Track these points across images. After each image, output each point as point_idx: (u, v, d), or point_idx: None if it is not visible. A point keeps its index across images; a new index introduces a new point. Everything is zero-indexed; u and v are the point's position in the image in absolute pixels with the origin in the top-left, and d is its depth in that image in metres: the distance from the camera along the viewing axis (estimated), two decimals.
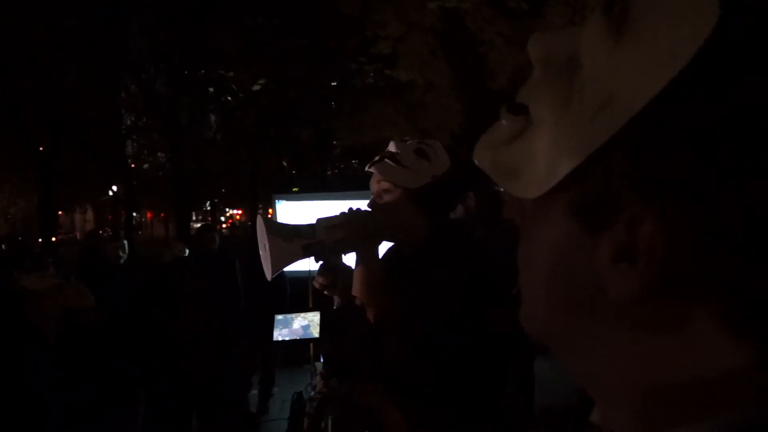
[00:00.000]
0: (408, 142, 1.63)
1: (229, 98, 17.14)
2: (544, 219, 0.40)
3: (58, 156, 14.91)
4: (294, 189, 10.15)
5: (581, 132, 0.36)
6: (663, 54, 0.34)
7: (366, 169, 1.68)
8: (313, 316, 1.24)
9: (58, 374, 2.65)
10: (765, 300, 0.33)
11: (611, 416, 0.42)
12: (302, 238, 1.61)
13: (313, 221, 1.65)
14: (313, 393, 1.12)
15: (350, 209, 1.63)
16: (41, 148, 15.16)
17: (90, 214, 32.23)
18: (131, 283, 4.75)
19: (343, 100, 14.51)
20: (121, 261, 5.07)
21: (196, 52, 14.34)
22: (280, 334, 1.25)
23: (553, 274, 0.40)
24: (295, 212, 5.48)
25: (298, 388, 4.45)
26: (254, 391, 5.54)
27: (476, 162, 0.45)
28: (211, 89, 17.15)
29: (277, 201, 5.56)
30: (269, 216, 5.21)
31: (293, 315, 1.26)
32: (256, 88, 15.22)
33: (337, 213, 1.64)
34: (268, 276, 1.64)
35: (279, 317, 1.27)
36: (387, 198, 1.62)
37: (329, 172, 18.89)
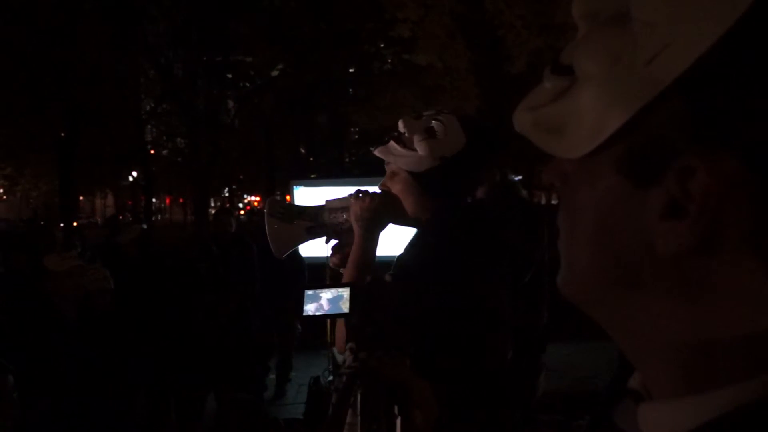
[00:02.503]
0: (421, 119, 1.50)
1: (247, 84, 17.16)
2: (590, 177, 0.39)
3: (79, 141, 15.05)
4: (312, 175, 10.15)
5: (634, 83, 0.35)
6: (719, 3, 0.33)
7: (372, 151, 1.60)
8: (344, 290, 1.25)
9: (76, 353, 2.68)
10: None
11: (651, 378, 0.41)
12: (306, 220, 1.60)
13: (323, 203, 1.64)
14: (341, 369, 1.13)
15: (357, 191, 1.59)
16: (62, 134, 15.32)
17: (110, 199, 32.60)
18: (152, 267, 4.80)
19: (361, 84, 14.44)
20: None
21: (214, 37, 14.34)
22: (308, 310, 1.26)
23: (600, 231, 0.40)
24: (312, 198, 5.46)
25: (316, 372, 4.47)
26: (272, 376, 5.58)
27: (516, 126, 0.44)
28: (230, 75, 17.17)
29: (294, 187, 5.54)
30: (287, 201, 5.21)
31: (323, 289, 1.27)
32: (275, 73, 15.22)
33: (345, 195, 1.60)
34: (277, 255, 1.62)
35: (309, 292, 1.28)
36: (394, 181, 1.56)
37: (347, 159, 18.87)
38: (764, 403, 0.33)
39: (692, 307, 0.36)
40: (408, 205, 1.54)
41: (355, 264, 1.53)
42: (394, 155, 1.52)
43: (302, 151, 20.41)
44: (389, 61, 12.99)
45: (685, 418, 0.36)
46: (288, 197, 5.26)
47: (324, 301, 1.40)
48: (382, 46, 11.22)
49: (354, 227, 1.56)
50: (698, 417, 0.35)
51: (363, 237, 1.54)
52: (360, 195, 1.57)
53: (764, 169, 0.32)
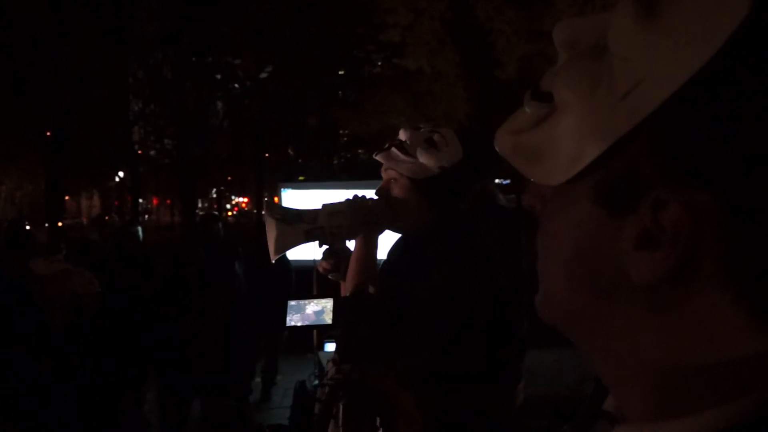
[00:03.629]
0: (420, 130, 1.58)
1: (236, 85, 17.11)
2: (566, 204, 0.40)
3: (65, 140, 14.93)
4: (300, 178, 10.13)
5: (610, 115, 0.36)
6: (697, 37, 0.34)
7: (374, 156, 1.65)
8: (326, 302, 1.29)
9: (62, 358, 2.65)
10: None
11: (625, 401, 0.41)
12: (305, 223, 1.62)
13: (319, 207, 1.66)
14: (324, 379, 1.15)
15: (355, 196, 1.63)
16: (48, 133, 15.18)
17: (96, 200, 32.35)
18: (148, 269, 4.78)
19: (350, 88, 14.45)
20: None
21: (203, 38, 14.30)
22: (292, 320, 1.30)
23: (574, 258, 0.40)
24: (300, 201, 5.47)
25: (302, 376, 4.45)
26: (258, 379, 5.55)
27: (497, 148, 0.44)
28: (218, 76, 17.11)
29: (282, 189, 5.53)
30: (276, 202, 5.20)
31: (306, 301, 1.31)
32: (263, 75, 15.18)
33: (343, 200, 1.64)
34: (272, 258, 1.64)
35: (292, 303, 1.32)
36: (394, 187, 1.60)
37: (335, 161, 18.87)
38: (736, 430, 0.34)
39: (664, 334, 0.37)
40: (408, 210, 1.59)
41: (359, 268, 1.56)
42: (396, 161, 1.58)
43: (291, 153, 20.38)
44: (379, 65, 13.00)
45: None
46: (276, 199, 5.24)
47: (307, 313, 1.43)
48: (371, 50, 11.22)
49: (359, 231, 1.59)
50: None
51: (366, 241, 1.58)
52: (362, 200, 1.61)
53: (734, 202, 0.33)
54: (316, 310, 1.38)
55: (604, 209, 0.37)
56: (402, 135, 1.59)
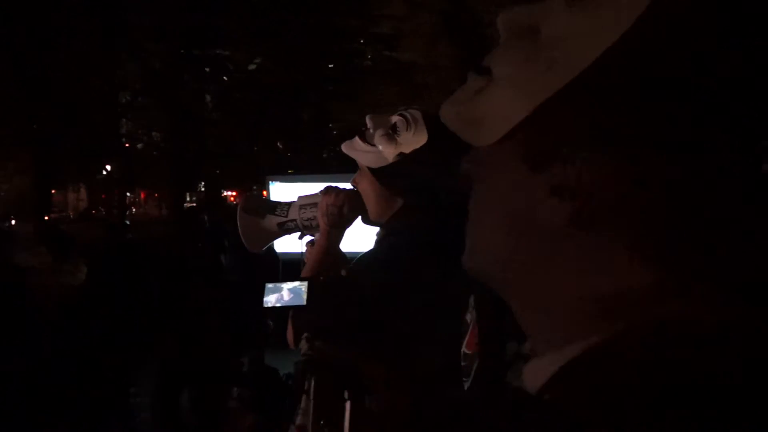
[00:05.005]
0: (390, 116, 1.46)
1: (225, 78, 16.97)
2: (497, 162, 0.47)
3: (52, 133, 14.74)
4: (289, 171, 10.07)
5: (534, 86, 0.43)
6: (606, 22, 0.40)
7: (342, 147, 1.59)
8: (302, 284, 1.36)
9: (56, 348, 2.61)
10: (674, 236, 0.40)
11: (535, 340, 0.49)
12: (277, 216, 1.63)
13: (295, 199, 1.66)
14: (298, 356, 1.30)
15: (327, 187, 1.58)
16: (34, 126, 14.99)
17: (83, 193, 32.11)
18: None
19: (344, 80, 14.37)
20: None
21: (195, 30, 14.16)
22: (269, 301, 1.36)
23: (504, 208, 0.47)
24: (288, 194, 5.38)
25: (289, 369, 4.42)
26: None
27: (443, 119, 0.51)
28: (208, 69, 16.96)
29: (270, 182, 5.46)
30: (263, 196, 5.15)
31: (283, 283, 1.38)
32: (252, 67, 15.07)
33: (317, 192, 1.61)
34: (249, 249, 1.65)
35: (269, 285, 1.38)
36: (359, 178, 1.54)
37: (325, 155, 18.79)
38: (590, 353, 0.42)
39: (571, 271, 0.44)
40: (369, 202, 1.52)
41: (315, 259, 1.56)
42: (356, 151, 1.50)
43: (280, 146, 20.27)
44: (370, 57, 12.93)
45: (548, 368, 0.44)
46: (264, 192, 5.18)
47: (283, 294, 1.44)
48: (365, 42, 11.15)
49: (320, 223, 1.56)
50: (553, 367, 0.44)
51: (326, 232, 1.56)
52: (328, 191, 1.56)
53: (633, 161, 0.39)
54: (292, 291, 1.43)
55: (527, 164, 0.44)
56: (367, 121, 1.48)
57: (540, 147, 0.43)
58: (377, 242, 1.52)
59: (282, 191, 5.28)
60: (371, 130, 1.46)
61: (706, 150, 0.39)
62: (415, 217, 1.46)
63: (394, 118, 1.44)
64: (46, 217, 16.03)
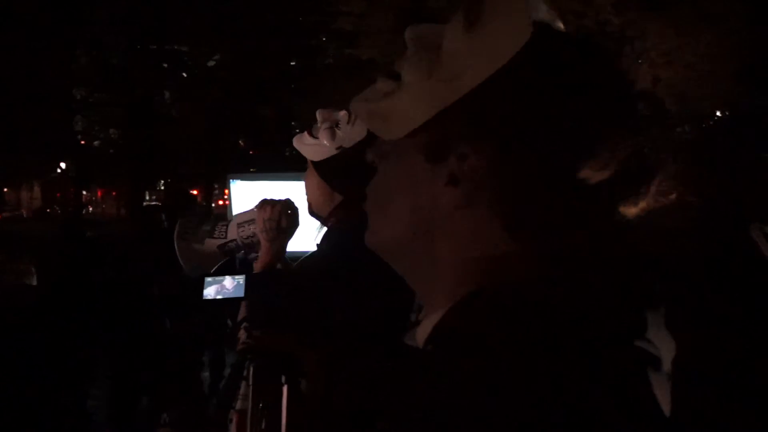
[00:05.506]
0: (339, 111, 1.46)
1: (184, 74, 16.69)
2: (401, 154, 0.57)
3: (1, 129, 14.28)
4: (251, 169, 9.96)
5: (435, 95, 0.53)
6: (498, 47, 0.52)
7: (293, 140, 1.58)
8: (241, 277, 1.38)
9: (7, 350, 2.54)
10: (528, 211, 0.52)
11: (429, 303, 0.58)
12: (216, 239, 1.61)
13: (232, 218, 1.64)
14: (236, 345, 1.35)
15: (262, 201, 1.57)
16: None
17: (37, 191, 31.20)
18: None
19: (306, 77, 14.29)
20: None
21: (152, 24, 13.89)
22: (209, 294, 1.38)
23: (404, 196, 0.57)
24: (250, 193, 5.33)
25: None
26: (206, 373, 5.43)
27: (353, 113, 0.62)
28: (166, 64, 16.66)
29: (231, 181, 5.39)
30: (226, 198, 5.09)
31: (223, 276, 1.40)
32: (212, 63, 14.86)
33: (253, 208, 1.59)
34: (190, 275, 1.62)
35: (209, 279, 1.40)
36: (307, 172, 1.54)
37: (287, 153, 18.64)
38: (455, 309, 0.52)
39: (458, 243, 0.55)
40: (312, 195, 1.51)
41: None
42: (303, 144, 1.50)
43: (241, 143, 20.03)
44: (332, 54, 12.89)
45: (429, 325, 0.55)
46: (226, 191, 5.12)
47: (223, 286, 1.45)
48: (325, 39, 11.11)
49: (260, 239, 1.54)
50: (432, 323, 0.54)
51: (267, 248, 1.54)
52: (263, 205, 1.55)
53: (512, 153, 0.51)
54: (232, 283, 1.45)
55: (427, 158, 0.55)
56: (317, 116, 1.49)
57: (438, 144, 0.54)
58: (321, 240, 1.52)
59: (243, 190, 5.22)
60: (318, 124, 1.46)
61: (545, 152, 0.51)
62: (354, 212, 1.42)
63: (341, 113, 1.44)
64: None
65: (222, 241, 1.62)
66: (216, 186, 21.75)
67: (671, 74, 9.07)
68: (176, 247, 1.61)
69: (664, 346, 0.50)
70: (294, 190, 1.64)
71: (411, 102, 0.54)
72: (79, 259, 4.50)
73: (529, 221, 0.52)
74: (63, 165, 20.08)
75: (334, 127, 1.43)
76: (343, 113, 1.43)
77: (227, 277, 1.47)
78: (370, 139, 1.44)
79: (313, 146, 1.47)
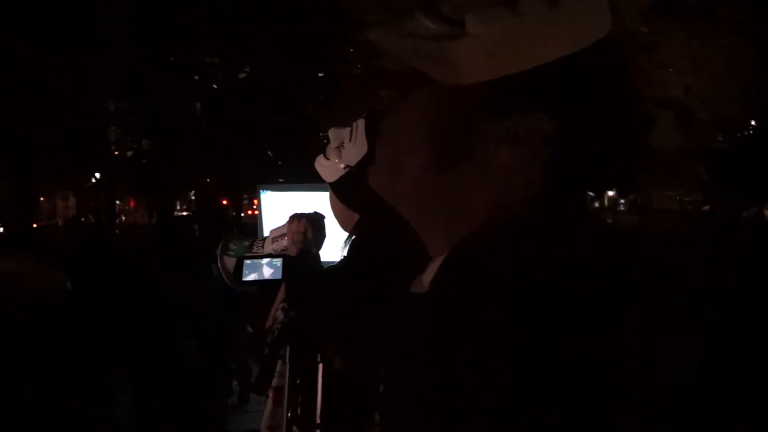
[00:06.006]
0: (347, 128, 1.44)
1: (214, 86, 16.92)
2: (447, 99, 0.58)
3: (37, 139, 14.66)
4: (280, 179, 10.04)
5: (508, 55, 0.55)
6: (576, 34, 0.54)
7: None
8: (278, 260, 1.46)
9: (29, 354, 2.60)
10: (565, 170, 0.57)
11: (435, 246, 0.61)
12: (255, 254, 1.68)
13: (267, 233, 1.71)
14: (273, 325, 1.39)
15: (292, 215, 1.59)
16: (22, 133, 14.87)
17: (72, 201, 31.88)
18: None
19: (328, 88, 14.39)
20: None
21: (184, 39, 14.14)
22: (248, 276, 1.46)
23: (438, 139, 0.59)
24: (280, 203, 5.39)
25: None
26: (235, 382, 5.49)
27: (381, 43, 0.61)
28: (196, 76, 16.90)
29: (261, 191, 5.45)
30: (255, 207, 5.14)
31: (260, 259, 1.48)
32: (242, 75, 15.04)
33: (284, 222, 1.63)
34: (235, 288, 1.68)
35: (247, 261, 1.47)
36: (330, 192, 1.55)
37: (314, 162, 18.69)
38: (456, 249, 0.55)
39: (490, 199, 0.57)
40: (337, 215, 1.54)
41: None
42: (319, 166, 1.51)
43: (270, 154, 20.20)
44: (357, 65, 12.97)
45: (435, 267, 0.57)
46: (255, 201, 5.17)
47: (261, 269, 1.51)
48: (350, 50, 11.19)
49: (291, 251, 1.58)
50: (437, 264, 0.57)
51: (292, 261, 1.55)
52: (292, 219, 1.58)
53: (556, 124, 0.55)
54: (269, 266, 1.52)
55: (488, 110, 0.56)
56: (329, 134, 1.48)
57: (506, 101, 0.55)
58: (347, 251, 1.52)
59: (273, 200, 5.28)
60: (330, 141, 1.48)
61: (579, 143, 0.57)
62: (373, 230, 1.44)
63: (345, 130, 1.44)
64: (35, 225, 15.91)
65: (261, 256, 1.66)
66: (245, 196, 21.97)
67: (700, 82, 8.91)
68: (219, 262, 1.68)
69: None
70: (323, 201, 1.66)
71: (477, 53, 0.55)
72: (100, 267, 4.59)
73: (556, 197, 0.55)
74: (97, 175, 20.48)
75: (340, 146, 1.43)
76: (346, 130, 1.42)
77: (264, 260, 1.54)
78: (372, 154, 1.46)
79: (327, 167, 1.49)
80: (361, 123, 1.41)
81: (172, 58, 15.66)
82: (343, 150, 1.42)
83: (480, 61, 0.55)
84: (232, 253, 1.71)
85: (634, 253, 0.52)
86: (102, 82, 16.58)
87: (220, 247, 1.75)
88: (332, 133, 1.47)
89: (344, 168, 1.43)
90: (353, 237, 1.51)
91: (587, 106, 0.55)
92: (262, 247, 1.69)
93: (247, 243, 1.75)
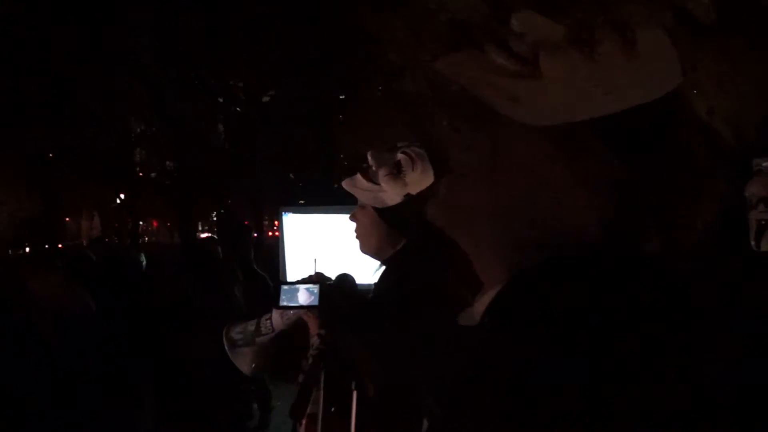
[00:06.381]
0: (393, 151, 1.43)
1: (238, 108, 17.18)
2: (519, 135, 0.57)
3: (64, 161, 14.96)
4: (300, 201, 10.10)
5: (587, 98, 0.55)
6: (653, 82, 0.56)
7: (342, 183, 1.56)
8: (315, 287, 1.44)
9: (54, 375, 2.62)
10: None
11: (488, 277, 0.61)
12: (264, 335, 1.64)
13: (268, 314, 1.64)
14: (309, 350, 1.42)
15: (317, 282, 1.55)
16: (51, 154, 15.22)
17: (97, 221, 32.35)
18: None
19: (351, 110, 14.52)
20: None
21: (206, 60, 14.40)
22: (284, 301, 1.44)
23: (511, 171, 0.58)
24: (302, 225, 5.41)
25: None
26: (254, 405, 5.46)
27: (459, 79, 0.61)
28: (221, 99, 17.18)
29: (284, 213, 5.46)
30: (276, 229, 5.15)
31: (297, 284, 1.47)
32: (266, 99, 15.25)
33: (295, 284, 1.58)
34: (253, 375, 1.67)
35: (285, 287, 1.45)
36: (361, 214, 1.52)
37: (336, 185, 18.80)
38: (509, 285, 0.55)
39: (550, 231, 0.57)
40: (370, 239, 1.50)
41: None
42: (359, 189, 1.47)
43: (292, 176, 20.35)
44: (380, 88, 13.08)
45: (487, 300, 0.57)
46: (276, 222, 5.19)
47: (298, 295, 1.49)
48: (372, 73, 11.31)
49: (302, 317, 1.55)
50: (489, 298, 0.57)
51: (312, 323, 1.52)
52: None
53: (623, 165, 0.55)
54: (306, 292, 1.50)
55: (561, 152, 0.55)
56: (369, 159, 1.45)
57: (579, 143, 0.54)
58: (380, 278, 1.50)
59: (295, 223, 5.30)
60: (374, 168, 1.44)
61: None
62: (420, 256, 1.43)
63: (398, 156, 1.42)
64: (60, 245, 16.18)
65: (270, 335, 1.64)
66: (266, 218, 22.11)
67: (725, 104, 8.84)
68: (231, 357, 1.65)
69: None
70: (343, 224, 1.63)
71: (551, 95, 0.54)
72: (125, 287, 4.62)
73: (615, 240, 0.55)
74: (122, 195, 20.81)
75: (395, 173, 1.40)
76: (402, 157, 1.41)
77: (302, 286, 1.52)
78: (436, 184, 1.45)
79: (372, 192, 1.45)
80: (423, 152, 1.40)
81: (197, 81, 15.96)
82: (403, 178, 1.39)
83: (554, 103, 0.54)
84: (241, 342, 1.65)
85: (687, 296, 0.52)
86: (128, 104, 16.94)
87: (225, 343, 1.68)
88: (376, 158, 1.44)
89: (405, 196, 1.40)
90: (392, 264, 1.49)
91: (657, 155, 0.55)
92: (271, 325, 1.62)
93: (252, 327, 1.68)
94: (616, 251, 0.55)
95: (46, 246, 15.41)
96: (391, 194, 1.42)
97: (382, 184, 1.41)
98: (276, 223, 5.31)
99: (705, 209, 0.56)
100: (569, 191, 0.55)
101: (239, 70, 14.33)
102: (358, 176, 1.49)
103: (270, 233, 22.29)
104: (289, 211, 5.56)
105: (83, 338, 2.89)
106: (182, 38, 13.71)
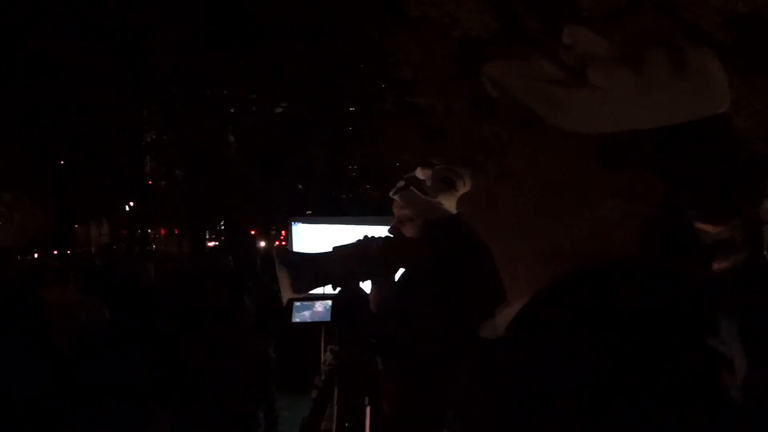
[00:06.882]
0: (436, 168, 1.49)
1: (248, 120, 17.25)
2: (560, 146, 0.57)
3: (77, 170, 15.06)
4: (308, 212, 10.14)
5: (634, 111, 0.55)
6: (702, 100, 0.55)
7: (390, 194, 1.60)
8: (327, 302, 1.44)
9: (68, 385, 2.63)
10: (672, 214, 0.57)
11: (513, 288, 0.60)
12: (314, 269, 1.61)
13: (329, 249, 1.63)
14: (322, 366, 1.41)
15: (365, 237, 1.59)
16: (62, 162, 15.32)
17: (106, 229, 32.46)
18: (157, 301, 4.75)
19: (362, 123, 14.57)
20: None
21: (218, 73, 14.49)
22: (297, 317, 1.44)
23: (543, 179, 0.57)
24: (310, 236, 5.44)
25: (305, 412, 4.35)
26: (261, 414, 5.45)
27: (503, 83, 0.59)
28: (232, 110, 17.27)
29: (293, 224, 5.49)
30: (282, 240, 5.19)
31: (310, 301, 1.46)
32: (279, 110, 15.32)
33: (353, 240, 1.60)
34: (284, 302, 1.63)
35: (297, 303, 1.46)
36: (406, 227, 1.56)
37: (344, 196, 18.86)
38: (537, 297, 0.54)
39: (585, 246, 0.56)
40: (419, 251, 1.53)
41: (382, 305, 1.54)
42: (413, 201, 1.52)
43: (300, 187, 20.40)
44: (389, 101, 13.14)
45: (512, 312, 0.56)
46: (283, 232, 5.23)
47: (311, 311, 1.49)
48: (383, 86, 11.37)
49: (375, 274, 1.56)
50: (515, 310, 0.56)
51: (385, 284, 1.54)
52: (373, 241, 1.56)
53: (662, 179, 0.55)
54: (319, 308, 1.51)
55: (599, 162, 0.55)
56: (420, 174, 1.52)
57: (622, 155, 0.54)
58: (399, 278, 1.56)
59: (304, 233, 5.33)
60: (427, 182, 1.49)
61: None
62: (439, 270, 1.47)
63: (445, 173, 1.47)
64: (69, 252, 16.25)
65: (319, 272, 1.59)
66: (273, 228, 22.15)
67: (740, 123, 8.81)
68: (278, 269, 1.60)
69: (737, 356, 0.52)
70: (353, 234, 1.67)
71: (598, 105, 0.54)
72: (138, 297, 4.64)
73: (648, 255, 0.55)
74: (131, 204, 20.90)
75: (452, 187, 1.44)
76: (454, 174, 1.46)
77: (315, 302, 1.53)
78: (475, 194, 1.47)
79: (429, 205, 1.49)
80: (465, 172, 1.44)
81: (208, 92, 16.06)
82: (456, 193, 1.43)
83: (601, 113, 0.54)
84: (290, 262, 1.60)
85: (714, 309, 0.54)
86: (141, 115, 17.07)
87: (276, 255, 1.66)
88: (427, 174, 1.48)
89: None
90: (409, 276, 1.52)
91: (700, 172, 0.55)
92: (326, 263, 1.59)
93: (305, 255, 1.67)
94: (649, 265, 0.54)
95: (55, 252, 15.48)
96: (446, 207, 1.47)
97: (441, 200, 1.47)
98: (283, 232, 5.31)
99: (744, 224, 0.58)
100: (605, 202, 0.55)
101: (252, 81, 14.41)
102: (411, 188, 1.52)
103: (276, 242, 22.32)
104: (297, 221, 5.59)
105: (98, 348, 2.91)
106: (194, 49, 13.82)
